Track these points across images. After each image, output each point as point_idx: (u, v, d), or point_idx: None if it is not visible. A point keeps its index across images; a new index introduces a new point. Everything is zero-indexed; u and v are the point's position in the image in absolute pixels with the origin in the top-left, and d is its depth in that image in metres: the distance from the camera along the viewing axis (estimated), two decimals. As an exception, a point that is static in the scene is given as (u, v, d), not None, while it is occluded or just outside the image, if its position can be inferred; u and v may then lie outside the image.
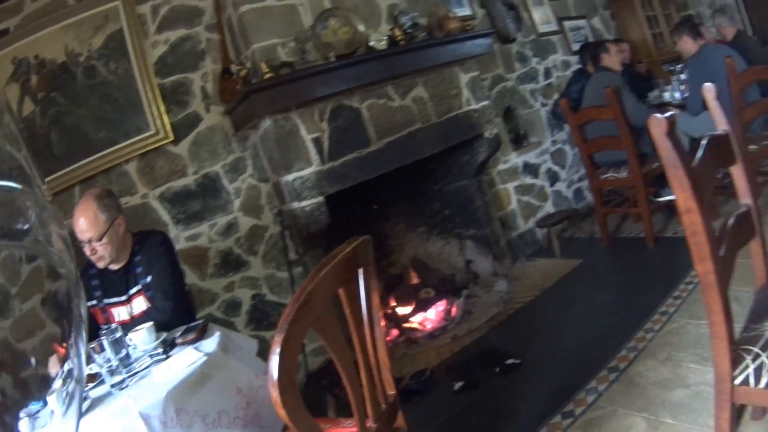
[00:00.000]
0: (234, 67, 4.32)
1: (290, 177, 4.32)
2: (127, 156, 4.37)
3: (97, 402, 2.41)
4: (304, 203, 4.34)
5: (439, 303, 5.16)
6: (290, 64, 4.38)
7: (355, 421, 2.05)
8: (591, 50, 6.32)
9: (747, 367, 1.97)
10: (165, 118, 4.48)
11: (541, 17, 7.34)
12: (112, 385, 2.48)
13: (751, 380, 1.95)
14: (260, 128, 4.46)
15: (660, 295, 4.30)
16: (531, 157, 6.72)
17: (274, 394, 1.61)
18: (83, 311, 0.96)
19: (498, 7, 6.61)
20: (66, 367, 2.45)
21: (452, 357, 4.45)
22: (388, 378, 2.33)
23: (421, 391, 3.99)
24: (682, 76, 6.48)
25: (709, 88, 2.42)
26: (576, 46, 7.49)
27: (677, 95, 6.45)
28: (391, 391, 2.35)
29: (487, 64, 6.41)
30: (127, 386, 2.48)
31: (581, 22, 7.96)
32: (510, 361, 4.00)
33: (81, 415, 1.14)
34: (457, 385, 3.91)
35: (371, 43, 4.67)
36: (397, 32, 4.77)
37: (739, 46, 6.12)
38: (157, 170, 4.49)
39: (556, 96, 7.10)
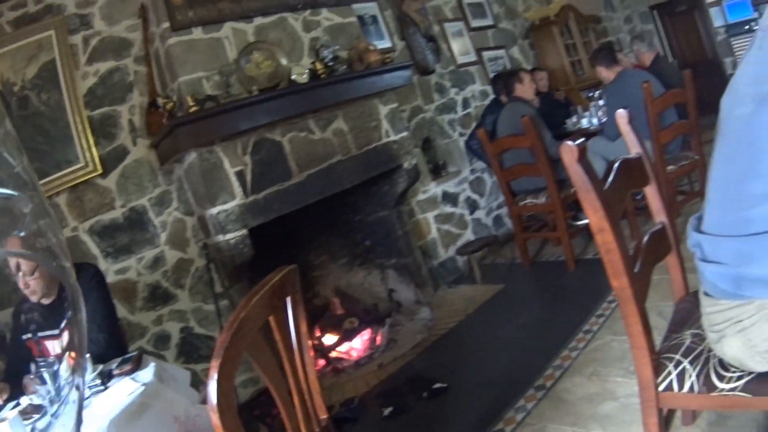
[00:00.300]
0: (161, 101, 4.50)
1: (215, 210, 4.51)
2: (57, 188, 4.47)
3: (41, 432, 2.54)
4: (228, 236, 4.54)
5: (363, 332, 5.36)
6: (215, 98, 4.55)
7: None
8: (504, 80, 6.67)
9: (670, 373, 2.15)
10: (94, 150, 4.60)
11: (460, 48, 7.74)
12: (53, 415, 2.55)
13: (675, 385, 2.13)
14: (185, 162, 4.65)
15: (583, 315, 4.58)
16: (450, 186, 7.05)
17: (214, 418, 1.73)
18: (84, 322, 1.00)
19: (417, 39, 6.96)
20: (26, 401, 2.67)
21: (380, 384, 4.63)
22: (320, 402, 2.47)
23: (351, 419, 4.17)
24: (600, 102, 6.89)
25: (621, 114, 2.61)
26: (495, 77, 7.91)
27: (595, 121, 6.87)
28: (324, 416, 2.49)
29: (406, 96, 6.73)
30: (69, 416, 2.66)
31: (500, 52, 8.40)
32: (437, 386, 4.20)
33: (80, 422, 1.28)
34: (387, 411, 4.11)
35: (293, 77, 4.88)
36: (319, 66, 5.01)
37: (657, 70, 6.48)
38: (86, 203, 4.60)
39: (474, 126, 7.45)
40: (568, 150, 1.96)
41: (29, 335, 3.43)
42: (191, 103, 4.32)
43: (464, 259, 6.72)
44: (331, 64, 5.15)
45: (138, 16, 4.90)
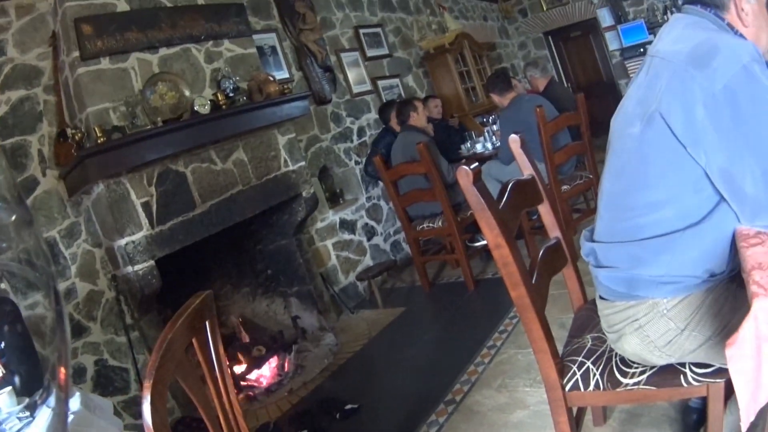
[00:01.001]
0: (69, 131, 4.66)
1: (123, 241, 4.68)
2: None
3: (-26, 464, 2.72)
4: (136, 267, 4.71)
5: (271, 359, 5.61)
6: (121, 129, 4.73)
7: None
8: (398, 108, 7.14)
9: (575, 374, 2.42)
10: None
11: (356, 78, 8.21)
12: None
13: (581, 385, 2.40)
14: (93, 193, 4.80)
15: (486, 331, 4.98)
16: (347, 213, 7.48)
17: None
18: (69, 336, 1.04)
19: (314, 69, 7.39)
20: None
21: (292, 409, 4.86)
22: (243, 423, 2.64)
23: None
24: (495, 127, 7.43)
25: (513, 139, 2.85)
26: (390, 105, 8.37)
27: (489, 146, 7.38)
28: None
29: (304, 126, 7.11)
30: (0, 447, 2.83)
31: (394, 81, 8.92)
32: (349, 407, 4.51)
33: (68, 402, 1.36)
34: None
35: (196, 108, 5.09)
36: (220, 96, 5.27)
37: (551, 95, 7.05)
38: None
39: (369, 153, 7.89)
40: (464, 173, 2.20)
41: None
42: (99, 134, 4.46)
43: (365, 285, 7.17)
44: (231, 95, 5.44)
45: (49, 44, 5.04)
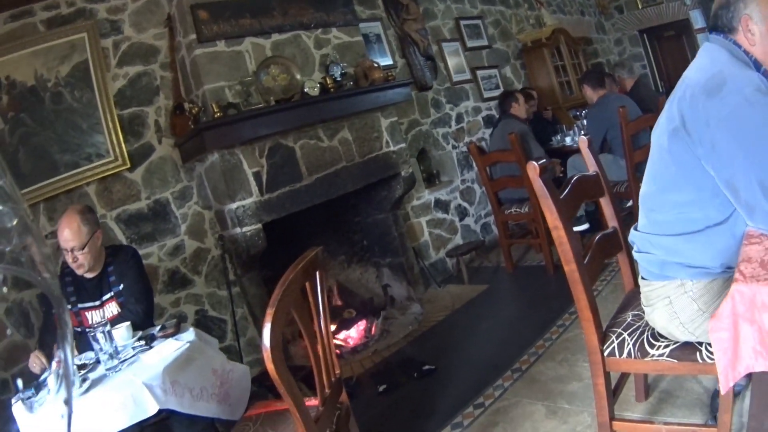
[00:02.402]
0: (186, 105, 4.88)
1: (233, 205, 4.92)
2: (87, 179, 4.84)
3: (96, 382, 3.00)
4: (245, 229, 4.95)
5: (360, 323, 5.81)
6: (236, 105, 4.98)
7: (317, 386, 2.74)
8: (500, 98, 7.26)
9: (612, 342, 2.66)
10: (123, 146, 4.94)
11: (456, 67, 8.23)
12: (108, 369, 3.08)
13: (617, 352, 2.64)
14: (206, 161, 5.04)
15: (558, 312, 5.06)
16: (442, 194, 7.54)
17: (266, 354, 2.21)
18: (68, 320, 0.98)
19: (417, 57, 7.47)
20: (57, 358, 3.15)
21: (374, 366, 5.10)
22: (335, 360, 3.00)
23: (350, 393, 4.39)
24: (585, 122, 7.44)
25: (582, 140, 3.17)
26: (487, 94, 8.48)
27: (578, 139, 7.40)
28: (337, 370, 3.02)
29: (405, 110, 7.20)
30: (120, 369, 3.08)
31: (493, 71, 8.88)
32: (426, 367, 4.70)
33: (71, 402, 1.37)
34: (381, 388, 4.60)
35: (306, 90, 5.29)
36: (328, 80, 5.45)
37: (636, 95, 7.01)
38: (114, 194, 4.95)
39: (467, 139, 7.98)
40: (532, 167, 2.48)
41: (69, 306, 3.80)
42: (216, 110, 4.69)
43: (453, 261, 7.22)
44: (339, 79, 5.60)
45: (164, 25, 5.30)
